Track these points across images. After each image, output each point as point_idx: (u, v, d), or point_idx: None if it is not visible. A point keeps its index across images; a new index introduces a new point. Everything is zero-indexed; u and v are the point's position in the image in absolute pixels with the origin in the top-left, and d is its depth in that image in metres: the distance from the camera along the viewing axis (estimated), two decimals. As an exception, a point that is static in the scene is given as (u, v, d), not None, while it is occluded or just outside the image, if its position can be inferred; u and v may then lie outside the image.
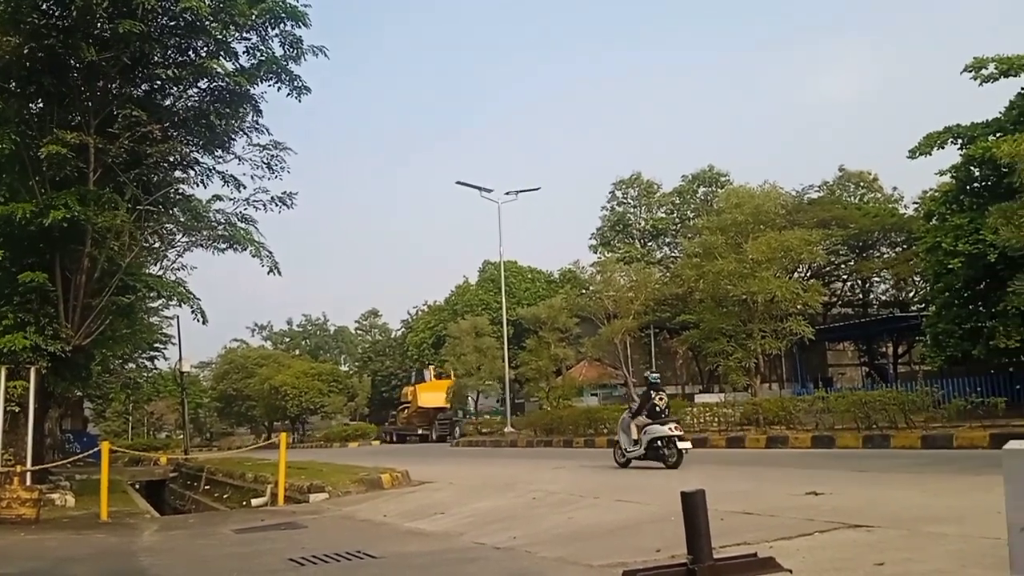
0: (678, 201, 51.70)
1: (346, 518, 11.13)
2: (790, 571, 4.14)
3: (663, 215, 52.07)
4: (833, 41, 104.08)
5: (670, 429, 13.72)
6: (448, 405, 46.73)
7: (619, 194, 53.45)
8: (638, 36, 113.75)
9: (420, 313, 64.89)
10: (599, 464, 16.46)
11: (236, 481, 18.17)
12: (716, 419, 23.36)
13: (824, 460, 14.03)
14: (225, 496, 17.99)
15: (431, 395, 48.62)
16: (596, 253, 49.54)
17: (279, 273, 17.83)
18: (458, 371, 41.39)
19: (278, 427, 58.27)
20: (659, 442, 13.78)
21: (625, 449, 14.60)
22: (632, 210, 53.21)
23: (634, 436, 14.26)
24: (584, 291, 35.36)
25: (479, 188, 37.03)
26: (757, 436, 19.66)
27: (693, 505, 3.80)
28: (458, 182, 37.18)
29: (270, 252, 17.62)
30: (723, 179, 48.63)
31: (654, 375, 15.29)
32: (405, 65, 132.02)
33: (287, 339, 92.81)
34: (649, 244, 52.08)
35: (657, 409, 14.17)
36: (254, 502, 15.05)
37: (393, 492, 13.69)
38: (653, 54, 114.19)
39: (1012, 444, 3.31)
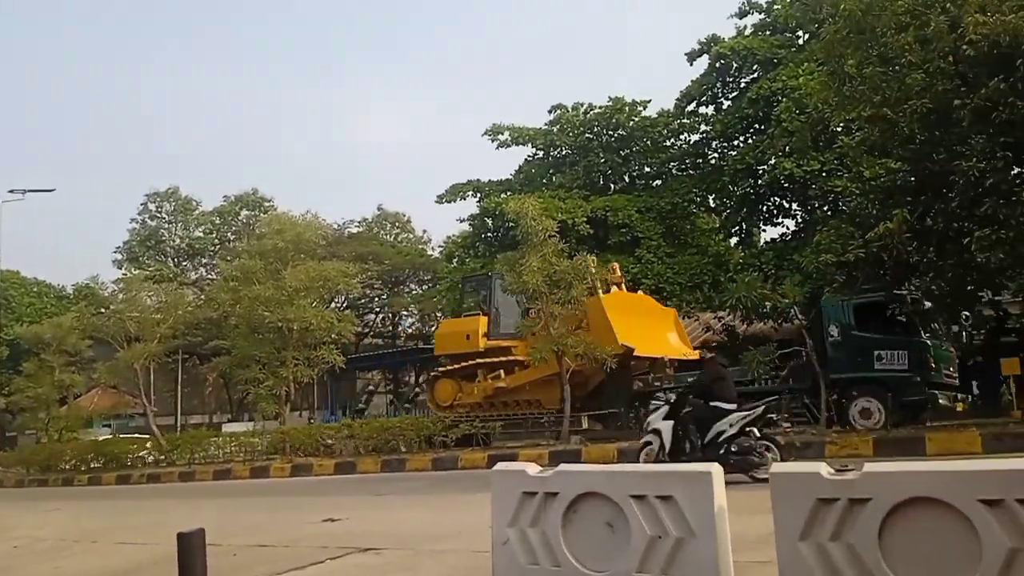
0: (218, 221, 49.61)
1: None
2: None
3: (201, 234, 49.47)
4: (381, 88, 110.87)
5: None
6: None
7: (152, 207, 49.32)
8: (190, 50, 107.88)
9: None
10: (109, 502, 14.72)
11: None
12: (242, 449, 22.58)
13: (345, 486, 14.40)
14: None
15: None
16: (121, 269, 44.90)
17: None
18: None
19: None
20: None
21: None
22: (167, 226, 49.49)
23: None
24: (103, 310, 31.65)
25: (-27, 181, 31.10)
26: (282, 465, 19.43)
27: (189, 547, 3.43)
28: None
29: None
30: (267, 204, 47.99)
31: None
32: None
33: None
34: (184, 263, 49.03)
35: None
36: None
37: None
38: (204, 69, 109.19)
39: (500, 465, 3.67)
